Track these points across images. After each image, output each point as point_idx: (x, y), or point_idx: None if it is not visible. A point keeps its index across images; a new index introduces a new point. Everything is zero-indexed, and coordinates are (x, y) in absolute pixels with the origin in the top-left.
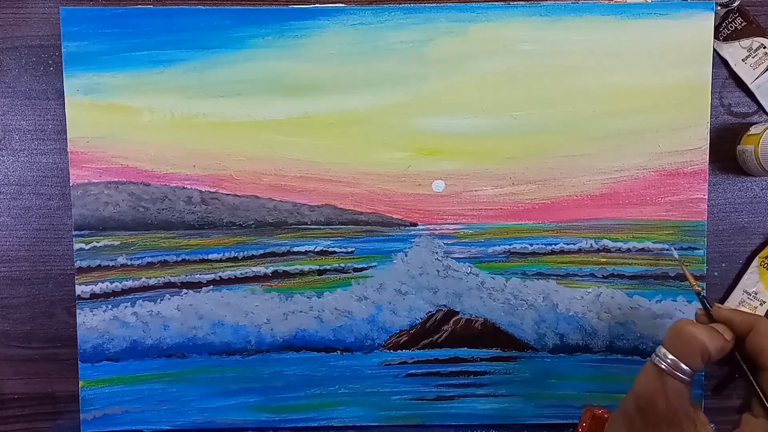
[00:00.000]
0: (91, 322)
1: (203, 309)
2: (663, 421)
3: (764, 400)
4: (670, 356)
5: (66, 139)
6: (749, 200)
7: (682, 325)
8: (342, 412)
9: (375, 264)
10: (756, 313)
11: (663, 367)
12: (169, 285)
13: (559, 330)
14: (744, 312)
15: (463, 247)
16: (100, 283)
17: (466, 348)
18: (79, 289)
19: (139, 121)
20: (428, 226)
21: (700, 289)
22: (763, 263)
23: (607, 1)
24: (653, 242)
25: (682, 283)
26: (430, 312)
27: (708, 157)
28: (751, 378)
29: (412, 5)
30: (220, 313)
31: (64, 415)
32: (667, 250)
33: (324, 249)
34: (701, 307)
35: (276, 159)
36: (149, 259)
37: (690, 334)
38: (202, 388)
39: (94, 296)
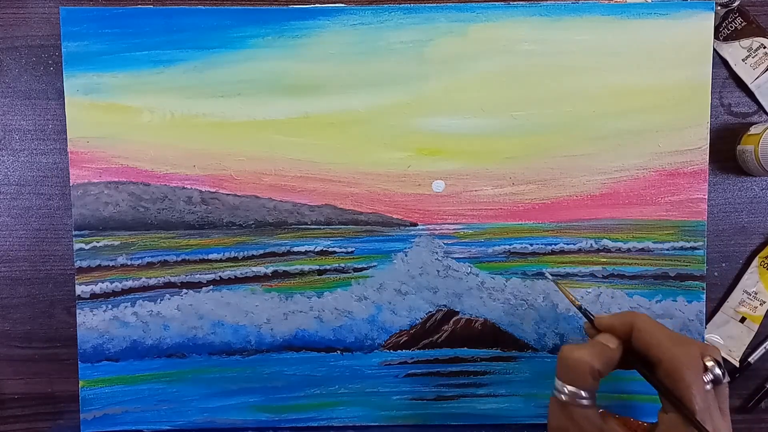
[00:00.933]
0: (91, 322)
1: (203, 309)
2: None
3: (666, 393)
4: (567, 387)
5: (66, 139)
6: (749, 200)
7: (564, 352)
8: (342, 412)
9: (375, 264)
10: (756, 313)
11: (564, 398)
12: (169, 285)
13: (559, 330)
14: (622, 314)
15: (463, 247)
16: (100, 283)
17: (466, 348)
18: (79, 289)
19: (139, 121)
20: (428, 226)
21: (580, 303)
22: (763, 263)
23: (607, 1)
24: (653, 242)
25: (682, 283)
26: (430, 312)
27: (708, 157)
28: (648, 376)
29: (412, 5)
30: (220, 313)
31: (64, 415)
32: (538, 273)
33: (324, 249)
34: (586, 320)
35: (276, 159)
36: (149, 259)
37: (573, 359)
38: (202, 388)
39: (94, 296)
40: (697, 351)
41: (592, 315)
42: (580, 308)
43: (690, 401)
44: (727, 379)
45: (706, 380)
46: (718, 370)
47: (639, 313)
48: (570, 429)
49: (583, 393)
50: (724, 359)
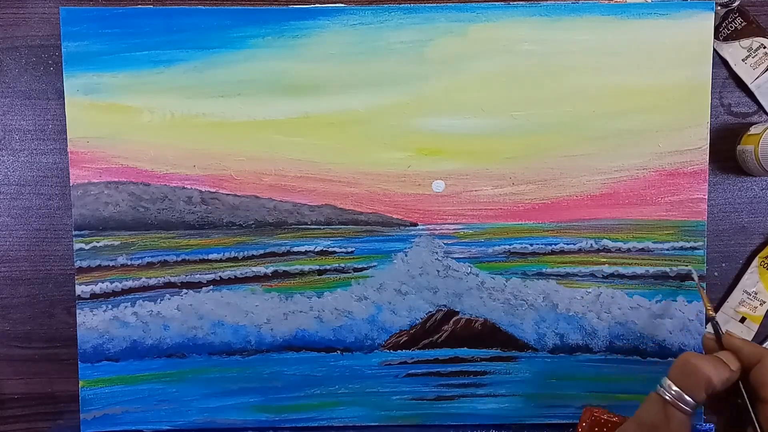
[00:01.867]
0: (91, 322)
1: (203, 309)
2: None
3: (759, 430)
4: (675, 388)
5: (66, 139)
6: (749, 200)
7: (688, 357)
8: (342, 412)
9: (375, 264)
10: (756, 313)
11: (667, 398)
12: (169, 285)
13: (559, 330)
14: (753, 344)
15: (463, 247)
16: (100, 283)
17: (466, 348)
18: (79, 289)
19: (139, 121)
20: (428, 226)
21: (714, 314)
22: (763, 263)
23: (607, 1)
24: (653, 242)
25: (683, 283)
26: (430, 312)
27: (708, 157)
28: (750, 409)
29: (412, 5)
30: (220, 313)
31: (64, 415)
32: (688, 270)
33: (324, 249)
34: (711, 331)
35: (276, 159)
36: (149, 259)
37: (695, 368)
38: (202, 388)
39: (94, 296)
40: None
41: (722, 331)
42: (712, 319)
43: None
44: None
45: None
46: None
47: None
48: (661, 427)
49: (689, 400)
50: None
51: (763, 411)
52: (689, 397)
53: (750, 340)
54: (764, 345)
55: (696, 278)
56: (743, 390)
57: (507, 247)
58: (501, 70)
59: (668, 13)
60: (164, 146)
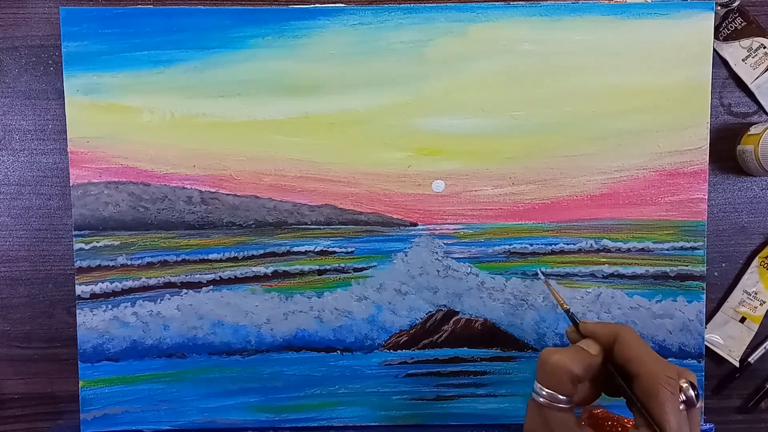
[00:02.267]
0: (91, 322)
1: (203, 309)
2: None
3: (640, 408)
4: (545, 389)
5: (66, 139)
6: (749, 200)
7: (544, 355)
8: (342, 412)
9: (375, 264)
10: (756, 313)
11: (541, 401)
12: (169, 285)
13: (559, 330)
14: (608, 324)
15: (463, 247)
16: (100, 283)
17: (466, 348)
18: (79, 289)
19: (139, 121)
20: (428, 226)
21: (568, 306)
22: (763, 263)
23: (607, 1)
24: (653, 242)
25: (683, 283)
26: (430, 312)
27: (708, 157)
28: (625, 389)
29: (412, 5)
30: (220, 313)
31: (64, 415)
32: (534, 273)
33: (324, 249)
34: (571, 324)
35: (276, 159)
36: (149, 259)
37: (554, 363)
38: (202, 388)
39: (94, 296)
40: (674, 372)
41: (577, 319)
42: (567, 311)
43: (663, 418)
44: (700, 404)
45: (679, 401)
46: (692, 392)
47: (624, 325)
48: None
49: (560, 397)
50: (724, 359)
51: (636, 386)
52: (559, 394)
53: (750, 340)
54: (764, 345)
55: (542, 276)
56: (614, 371)
57: (507, 247)
58: (501, 70)
59: (668, 13)
60: (164, 146)
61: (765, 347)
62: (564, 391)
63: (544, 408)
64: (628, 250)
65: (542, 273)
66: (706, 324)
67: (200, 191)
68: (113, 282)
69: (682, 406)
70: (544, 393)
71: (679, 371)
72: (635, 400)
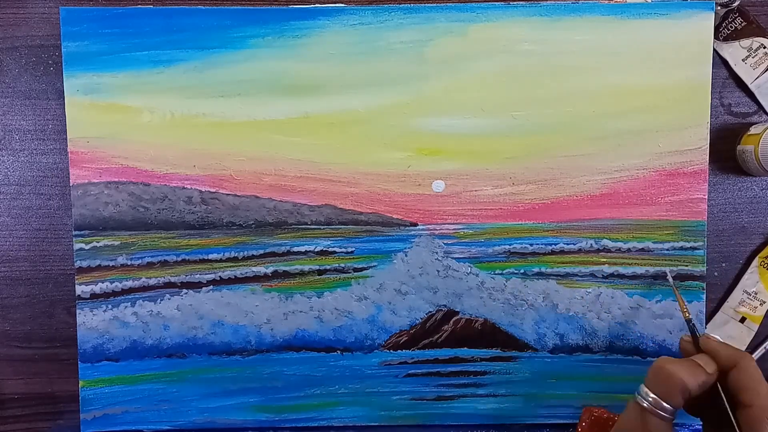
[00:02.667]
0: (91, 322)
1: (203, 309)
2: None
3: None
4: (652, 395)
5: (66, 139)
6: (749, 200)
7: (662, 363)
8: (342, 412)
9: (375, 264)
10: (756, 313)
11: (645, 405)
12: (169, 285)
13: (559, 330)
14: (730, 347)
15: (463, 247)
16: (100, 283)
17: (466, 348)
18: (79, 289)
19: (139, 121)
20: (428, 226)
21: (690, 316)
22: (763, 263)
23: (607, 1)
24: (653, 242)
25: (683, 283)
26: (430, 312)
27: (708, 157)
28: (729, 413)
29: (412, 5)
30: (220, 313)
31: (64, 415)
32: (663, 273)
33: (324, 249)
34: (688, 333)
35: (276, 159)
36: (149, 259)
37: (669, 373)
38: (202, 388)
39: (94, 296)
40: None
41: (698, 333)
42: (689, 321)
43: None
44: None
45: None
46: None
47: (747, 353)
48: None
49: (666, 406)
50: None
51: (742, 415)
52: (666, 403)
53: (750, 340)
54: (764, 345)
55: (671, 279)
56: (722, 393)
57: (507, 247)
58: (501, 70)
59: (668, 13)
60: (164, 146)
61: (765, 347)
62: (672, 402)
63: (645, 412)
64: (628, 250)
65: (670, 276)
66: (706, 324)
67: (200, 191)
68: (113, 282)
69: None
70: (650, 398)
71: None
72: (737, 429)
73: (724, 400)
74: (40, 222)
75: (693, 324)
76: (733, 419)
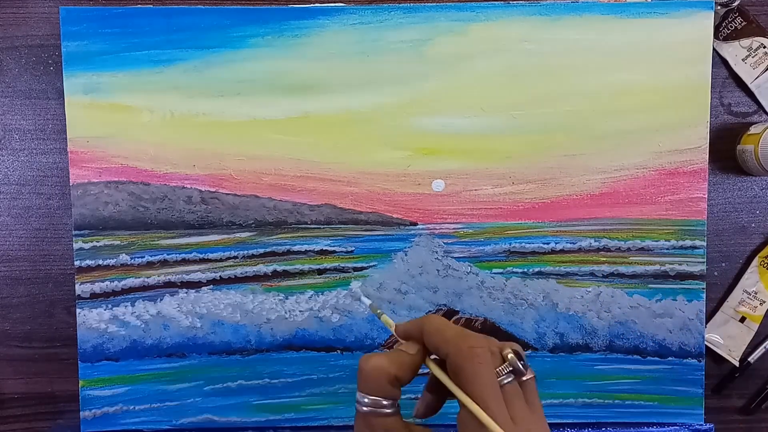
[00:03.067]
0: (91, 321)
1: (203, 309)
2: None
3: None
4: (366, 397)
5: (66, 138)
6: (749, 200)
7: (362, 362)
8: (342, 411)
9: (375, 263)
10: (756, 312)
11: (365, 410)
12: (169, 284)
13: (559, 329)
14: (414, 320)
15: (463, 246)
16: (99, 283)
17: None
18: (79, 289)
19: (138, 121)
20: (428, 226)
21: (379, 311)
22: (763, 263)
23: (606, 1)
24: (653, 241)
25: (682, 282)
26: (430, 311)
27: (708, 156)
28: (441, 375)
29: (412, 5)
30: (220, 312)
31: (64, 414)
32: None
33: (324, 248)
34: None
35: (276, 158)
36: (149, 259)
37: (369, 367)
38: (201, 387)
39: (94, 296)
40: (484, 343)
41: (391, 324)
42: (378, 316)
43: (472, 392)
44: (531, 374)
45: (503, 372)
46: (516, 360)
47: (431, 315)
48: None
49: (383, 402)
50: (724, 359)
51: (450, 372)
52: (382, 398)
53: (750, 340)
54: (764, 345)
55: (362, 296)
56: (431, 367)
57: (507, 246)
58: (501, 70)
59: (668, 12)
60: (164, 146)
61: (765, 347)
62: (386, 393)
63: (369, 417)
64: (628, 249)
65: (360, 291)
66: (706, 323)
67: (200, 191)
68: (113, 281)
69: (508, 378)
70: (366, 401)
71: (495, 344)
72: (453, 387)
73: (432, 366)
74: (40, 222)
75: (380, 317)
76: (447, 382)
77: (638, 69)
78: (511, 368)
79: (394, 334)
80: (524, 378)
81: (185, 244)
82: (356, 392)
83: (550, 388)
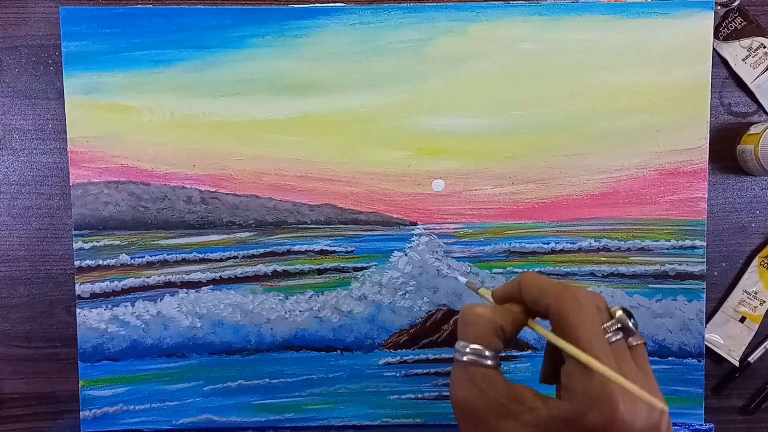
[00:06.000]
0: (91, 321)
1: (203, 309)
2: (490, 416)
3: (569, 348)
4: (469, 346)
5: (66, 138)
6: (749, 200)
7: (465, 308)
8: (342, 411)
9: (375, 263)
10: (756, 312)
11: (466, 359)
12: (169, 284)
13: None
14: (511, 280)
15: (463, 246)
16: (99, 283)
17: None
18: (79, 289)
19: (138, 121)
20: (428, 226)
21: (477, 286)
22: (763, 263)
23: (606, 1)
24: (653, 241)
25: (682, 282)
26: (430, 311)
27: (708, 156)
28: (548, 333)
29: (411, 5)
30: (220, 312)
31: (64, 414)
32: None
33: (324, 248)
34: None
35: (276, 158)
36: (149, 259)
37: (474, 314)
38: (202, 387)
39: (94, 296)
40: (588, 294)
41: (488, 293)
42: (475, 290)
43: (578, 341)
44: (641, 339)
45: (611, 328)
46: (626, 320)
47: (526, 272)
48: (474, 396)
49: (485, 352)
50: (724, 359)
51: (552, 324)
52: (485, 348)
53: (750, 340)
54: (764, 345)
55: (462, 280)
56: (534, 324)
57: (507, 246)
58: (501, 70)
59: (668, 12)
60: (164, 146)
61: (765, 347)
62: (490, 343)
63: (469, 367)
64: (628, 249)
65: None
66: (706, 323)
67: (200, 191)
68: (113, 281)
69: (618, 336)
70: (468, 350)
71: (602, 298)
72: (555, 338)
73: (539, 327)
74: (40, 222)
75: (477, 291)
76: (555, 341)
77: (638, 69)
78: (619, 325)
79: (492, 301)
80: (635, 342)
81: (185, 244)
82: (456, 342)
83: (550, 388)
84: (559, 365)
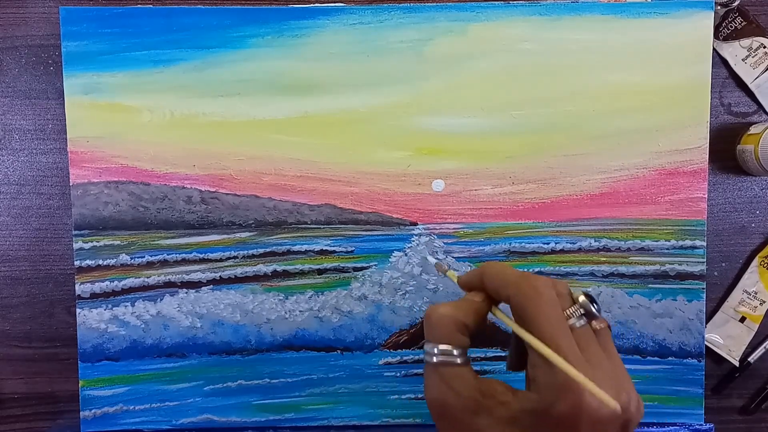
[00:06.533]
0: (91, 321)
1: (203, 309)
2: (465, 413)
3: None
4: (436, 347)
5: (66, 138)
6: (749, 200)
7: (428, 311)
8: (342, 411)
9: (375, 263)
10: (756, 312)
11: (435, 360)
12: (169, 284)
13: None
14: (476, 267)
15: (463, 246)
16: (99, 283)
17: None
18: (79, 289)
19: (138, 121)
20: (428, 226)
21: (446, 268)
22: (763, 263)
23: (606, 1)
24: (653, 241)
25: (682, 282)
26: None
27: (708, 156)
28: (511, 322)
29: (411, 5)
30: (220, 312)
31: (64, 414)
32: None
33: (324, 248)
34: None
35: (276, 158)
36: (149, 259)
37: (438, 315)
38: (202, 387)
39: (94, 296)
40: (548, 282)
41: (454, 276)
42: (444, 273)
43: (540, 332)
44: (605, 323)
45: (574, 314)
46: (589, 304)
47: (491, 261)
48: (447, 396)
49: (453, 351)
50: (724, 359)
51: (514, 313)
52: (452, 347)
53: (749, 340)
54: (764, 345)
55: (431, 260)
56: (497, 312)
57: (507, 246)
58: (501, 70)
59: (668, 12)
60: (164, 146)
61: (765, 347)
62: (455, 342)
63: (440, 367)
64: (628, 249)
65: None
66: (706, 323)
67: (200, 191)
68: (113, 281)
69: (582, 321)
70: (435, 351)
71: (564, 284)
72: (518, 329)
73: (497, 311)
74: (40, 222)
75: (444, 275)
76: (518, 332)
77: (638, 69)
78: (583, 311)
79: (459, 283)
80: (598, 326)
81: (185, 244)
82: (424, 344)
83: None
84: (524, 352)
